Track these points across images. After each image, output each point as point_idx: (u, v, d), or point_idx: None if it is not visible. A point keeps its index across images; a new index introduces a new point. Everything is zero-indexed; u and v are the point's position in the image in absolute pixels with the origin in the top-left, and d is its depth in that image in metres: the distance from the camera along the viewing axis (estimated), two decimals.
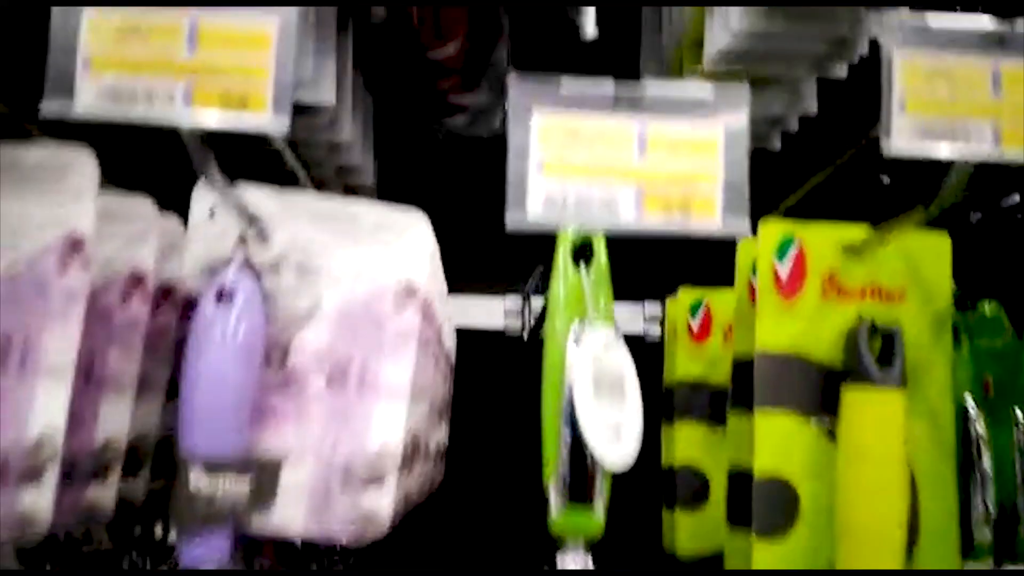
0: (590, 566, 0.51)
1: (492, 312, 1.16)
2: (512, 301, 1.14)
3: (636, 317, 1.12)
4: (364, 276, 0.54)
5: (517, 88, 0.41)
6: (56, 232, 0.45)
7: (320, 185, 1.05)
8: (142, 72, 0.38)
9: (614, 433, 0.50)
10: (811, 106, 0.90)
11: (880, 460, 0.55)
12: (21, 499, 0.43)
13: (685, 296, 0.83)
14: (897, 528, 0.55)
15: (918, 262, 0.61)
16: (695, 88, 0.42)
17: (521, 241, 0.45)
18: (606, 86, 0.41)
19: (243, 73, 0.39)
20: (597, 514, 0.52)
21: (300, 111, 0.83)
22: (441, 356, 0.82)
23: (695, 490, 0.82)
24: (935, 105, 0.43)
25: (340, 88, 0.89)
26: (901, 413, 0.56)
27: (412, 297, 0.54)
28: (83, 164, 0.46)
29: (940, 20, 0.43)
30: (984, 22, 0.43)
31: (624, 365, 0.53)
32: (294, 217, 0.54)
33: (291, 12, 0.40)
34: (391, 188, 1.18)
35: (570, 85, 0.41)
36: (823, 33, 0.75)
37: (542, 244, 0.50)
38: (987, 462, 0.68)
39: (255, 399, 0.52)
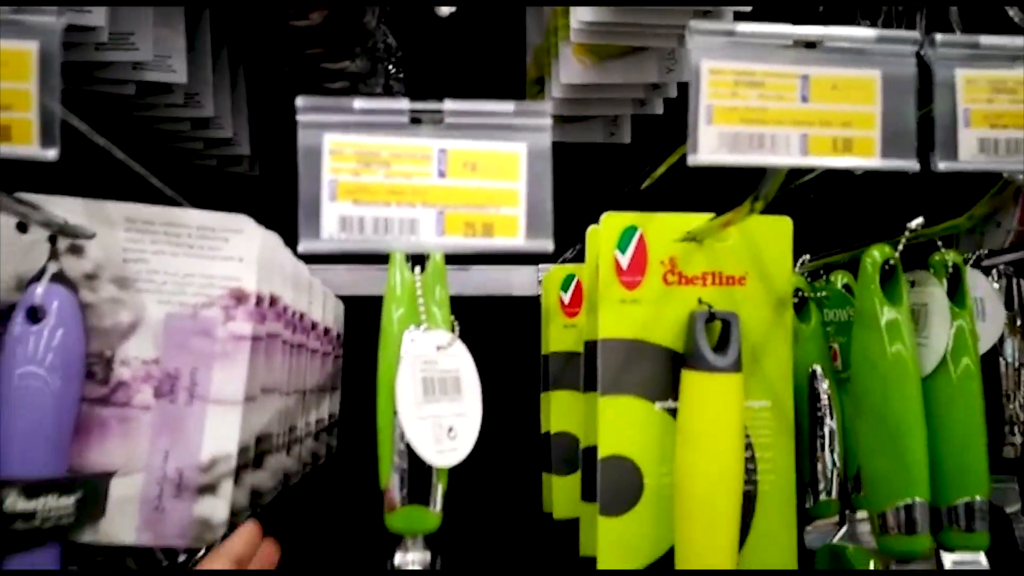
0: (428, 559, 0.52)
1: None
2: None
3: (532, 280, 1.13)
4: (189, 285, 0.52)
5: (306, 110, 0.39)
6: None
7: (192, 157, 1.01)
8: None
9: (445, 432, 0.51)
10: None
11: (715, 441, 0.57)
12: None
13: (557, 271, 0.83)
14: (731, 504, 0.57)
15: (759, 246, 0.62)
16: (496, 106, 0.41)
17: None
18: (402, 104, 0.40)
19: (6, 101, 0.36)
20: (434, 509, 0.52)
21: (147, 91, 0.80)
22: (312, 341, 0.81)
23: (569, 456, 0.84)
24: (742, 114, 0.43)
25: (198, 65, 0.85)
26: (736, 396, 0.58)
27: (242, 303, 0.53)
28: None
29: (748, 27, 0.43)
30: (792, 29, 0.43)
31: (461, 365, 0.53)
32: (110, 227, 0.52)
33: (55, 32, 0.37)
34: (273, 156, 1.15)
35: (363, 104, 0.40)
36: (690, 5, 0.74)
37: None
38: (833, 420, 0.70)
39: (78, 415, 0.50)
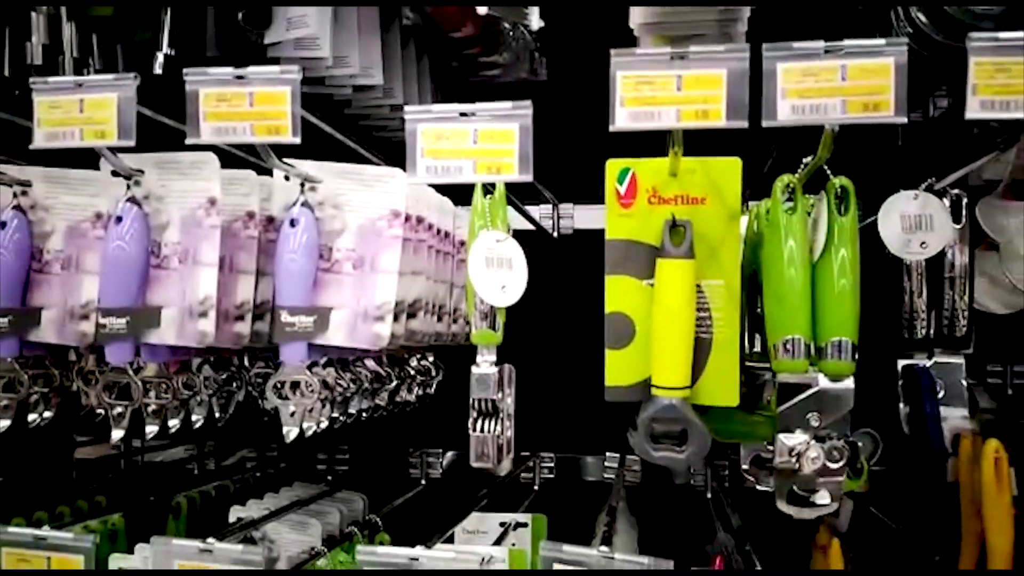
0: (495, 359, 0.92)
1: None
2: None
3: None
4: (369, 207, 0.96)
5: (410, 114, 0.79)
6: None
7: (392, 130, 1.47)
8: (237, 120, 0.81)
9: (500, 288, 0.90)
10: None
11: (673, 304, 0.91)
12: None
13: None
14: (685, 342, 0.90)
15: (717, 178, 0.93)
16: (501, 105, 0.78)
17: None
18: (455, 108, 0.79)
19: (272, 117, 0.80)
20: (497, 332, 0.92)
21: (358, 90, 1.25)
22: (461, 253, 1.23)
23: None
24: (641, 100, 0.77)
25: (390, 65, 1.29)
26: (689, 274, 0.91)
27: (397, 217, 0.96)
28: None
29: (646, 50, 0.76)
30: (670, 50, 0.76)
31: (512, 251, 0.92)
32: (329, 176, 0.96)
33: (297, 80, 0.80)
34: None
35: (437, 108, 0.79)
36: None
37: None
38: None
39: (316, 277, 0.96)
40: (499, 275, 0.90)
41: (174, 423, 1.01)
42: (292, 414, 0.94)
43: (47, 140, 0.85)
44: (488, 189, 0.93)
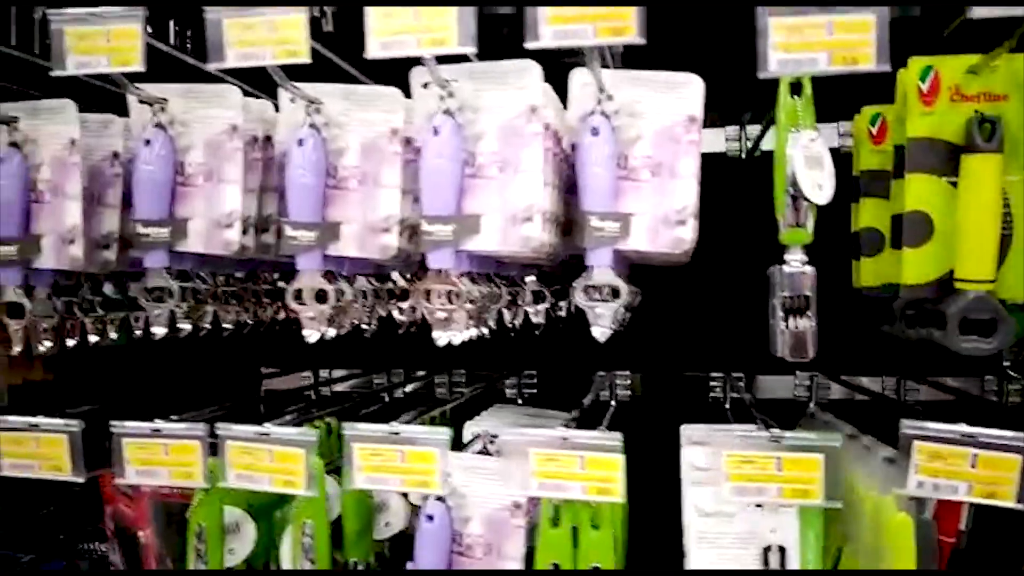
0: (806, 259, 0.94)
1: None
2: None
3: (833, 134, 1.48)
4: (662, 115, 0.97)
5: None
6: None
7: None
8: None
9: (817, 186, 0.92)
10: None
11: (982, 197, 0.93)
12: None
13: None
14: (992, 239, 0.93)
15: (1020, 74, 0.94)
16: None
17: None
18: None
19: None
20: (807, 231, 0.94)
21: None
22: None
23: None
24: None
25: None
26: (997, 169, 0.92)
27: (694, 123, 0.97)
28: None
29: None
30: None
31: (823, 151, 0.93)
32: (623, 83, 0.97)
33: None
34: None
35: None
36: None
37: None
38: None
39: (617, 185, 0.98)
40: (814, 173, 0.92)
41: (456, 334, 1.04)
42: (600, 316, 0.97)
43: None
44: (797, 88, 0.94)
